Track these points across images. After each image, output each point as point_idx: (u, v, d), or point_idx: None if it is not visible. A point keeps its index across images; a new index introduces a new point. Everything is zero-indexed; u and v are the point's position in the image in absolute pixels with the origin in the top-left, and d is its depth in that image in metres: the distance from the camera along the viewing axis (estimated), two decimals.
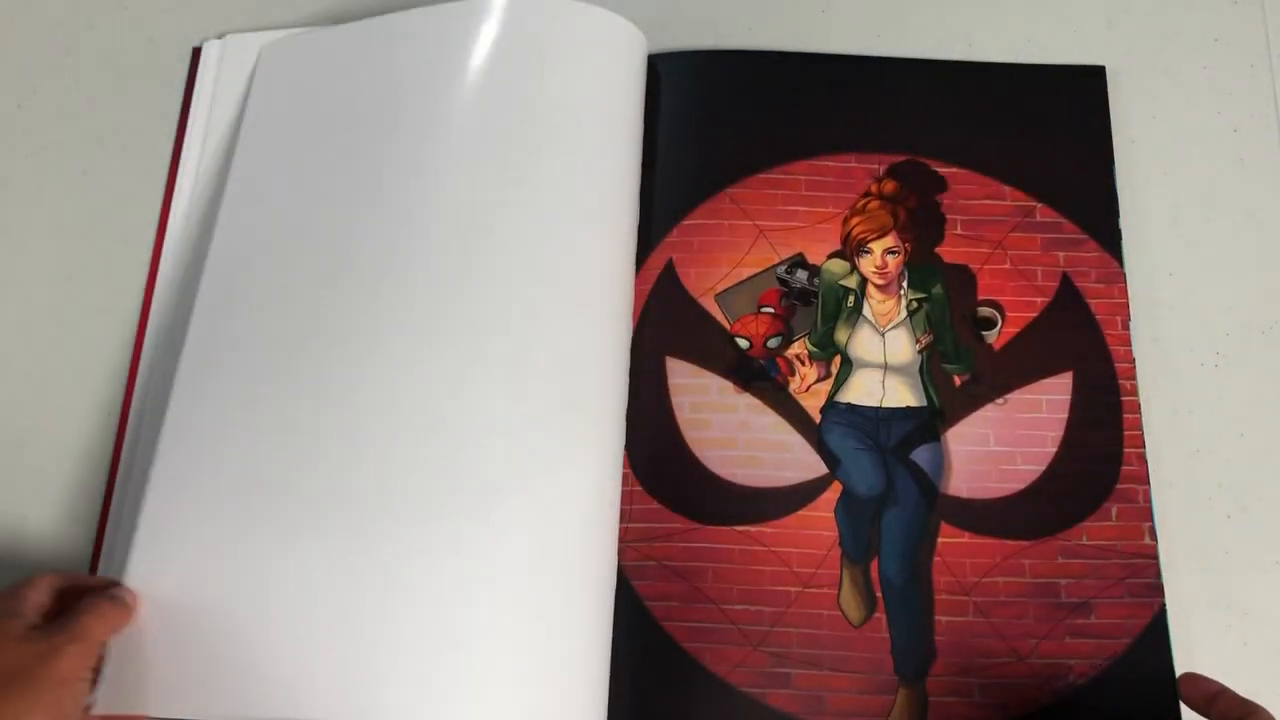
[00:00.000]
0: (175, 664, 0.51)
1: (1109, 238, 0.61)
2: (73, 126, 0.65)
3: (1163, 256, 0.61)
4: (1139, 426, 0.57)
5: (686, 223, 0.61)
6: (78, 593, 0.50)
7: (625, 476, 0.57)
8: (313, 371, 0.57)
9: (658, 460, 0.57)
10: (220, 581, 0.53)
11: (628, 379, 0.58)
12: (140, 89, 0.66)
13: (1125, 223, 0.61)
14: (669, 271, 0.60)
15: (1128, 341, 0.59)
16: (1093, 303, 0.59)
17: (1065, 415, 0.58)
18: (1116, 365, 0.58)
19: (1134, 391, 0.58)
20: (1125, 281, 0.60)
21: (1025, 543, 0.55)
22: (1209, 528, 0.57)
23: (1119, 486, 0.56)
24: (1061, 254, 0.60)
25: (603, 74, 0.62)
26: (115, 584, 0.51)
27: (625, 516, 0.56)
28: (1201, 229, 0.62)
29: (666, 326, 0.60)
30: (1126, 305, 0.60)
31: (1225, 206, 0.62)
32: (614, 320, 0.59)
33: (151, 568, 0.53)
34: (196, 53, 0.66)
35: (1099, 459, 0.57)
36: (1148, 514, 0.56)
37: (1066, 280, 0.60)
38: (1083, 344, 0.59)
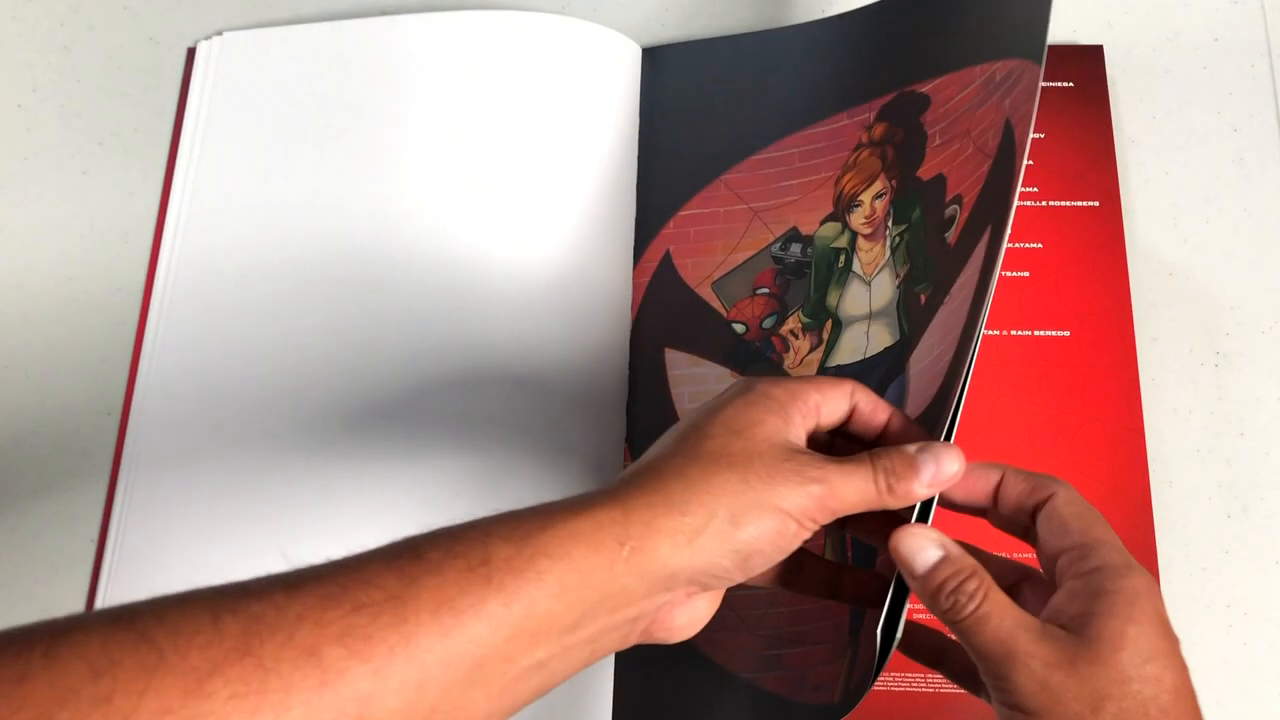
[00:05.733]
0: None
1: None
2: (73, 126, 0.65)
3: (1163, 256, 0.61)
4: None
5: (683, 213, 0.61)
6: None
7: None
8: (301, 372, 0.57)
9: None
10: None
11: (627, 373, 0.58)
12: (140, 89, 0.66)
13: (1125, 222, 0.61)
14: (666, 263, 0.60)
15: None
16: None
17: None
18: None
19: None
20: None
21: None
22: (1209, 527, 0.56)
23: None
24: (1007, 101, 0.48)
25: (597, 85, 0.62)
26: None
27: None
28: (1201, 229, 0.62)
29: (665, 319, 0.59)
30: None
31: (1225, 206, 0.62)
32: (611, 315, 0.59)
33: (134, 571, 0.54)
34: (192, 53, 0.66)
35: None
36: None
37: (1008, 130, 0.48)
38: None
